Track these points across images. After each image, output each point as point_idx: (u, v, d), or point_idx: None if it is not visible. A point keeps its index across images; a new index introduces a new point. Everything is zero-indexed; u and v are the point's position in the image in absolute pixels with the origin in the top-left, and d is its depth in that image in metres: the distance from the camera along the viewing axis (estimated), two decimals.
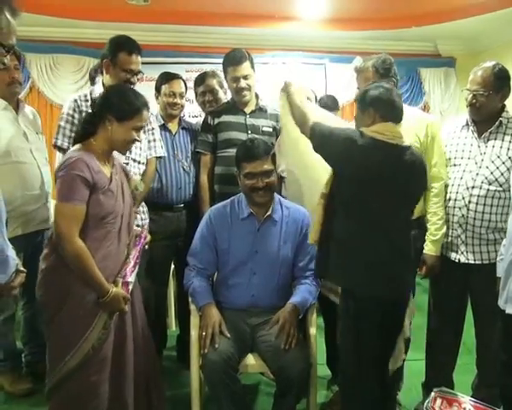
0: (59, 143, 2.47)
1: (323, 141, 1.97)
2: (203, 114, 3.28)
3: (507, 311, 1.91)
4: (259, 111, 2.86)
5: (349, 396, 2.08)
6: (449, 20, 4.94)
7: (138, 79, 2.57)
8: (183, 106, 3.02)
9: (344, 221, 1.95)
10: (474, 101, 2.32)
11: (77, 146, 1.98)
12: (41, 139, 2.91)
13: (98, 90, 2.55)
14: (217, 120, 2.81)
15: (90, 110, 2.46)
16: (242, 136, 2.71)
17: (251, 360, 2.24)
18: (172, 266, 3.25)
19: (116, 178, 2.02)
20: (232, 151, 2.57)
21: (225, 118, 2.81)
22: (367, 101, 1.96)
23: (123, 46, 2.49)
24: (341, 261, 1.97)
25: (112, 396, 1.96)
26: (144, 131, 2.65)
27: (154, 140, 2.70)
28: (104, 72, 2.56)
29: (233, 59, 2.77)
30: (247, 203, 2.39)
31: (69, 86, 5.26)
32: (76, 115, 2.48)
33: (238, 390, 2.13)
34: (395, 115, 1.96)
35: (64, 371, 1.86)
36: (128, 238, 2.06)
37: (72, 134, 2.44)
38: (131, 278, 2.02)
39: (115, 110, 1.98)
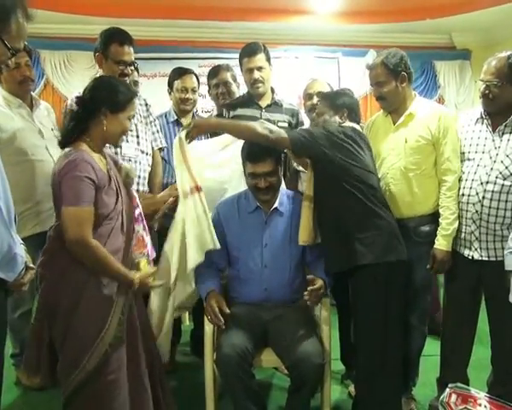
0: None
1: (312, 143, 2.16)
2: (216, 109, 3.28)
3: None
4: (275, 105, 2.86)
5: (379, 362, 2.17)
6: (464, 11, 4.88)
7: (132, 71, 2.56)
8: (195, 101, 3.03)
9: (354, 205, 2.15)
10: (487, 91, 2.27)
11: (72, 146, 1.91)
12: (56, 135, 2.92)
13: None
14: (232, 113, 2.82)
15: None
16: None
17: (265, 354, 2.25)
18: None
19: (112, 174, 1.98)
20: None
21: (240, 111, 2.82)
22: (342, 104, 2.33)
23: (113, 37, 2.48)
24: (367, 240, 2.14)
25: (132, 395, 1.94)
26: (146, 123, 2.67)
27: (158, 131, 2.72)
28: (97, 66, 2.57)
29: (248, 50, 2.79)
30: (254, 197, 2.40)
31: (83, 83, 5.23)
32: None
33: (252, 385, 2.14)
34: (358, 121, 2.39)
35: (82, 375, 1.83)
36: (131, 230, 2.03)
37: None
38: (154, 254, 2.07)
39: (109, 103, 1.94)
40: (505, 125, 2.29)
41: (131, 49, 2.51)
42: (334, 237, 2.20)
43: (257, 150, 2.25)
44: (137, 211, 2.09)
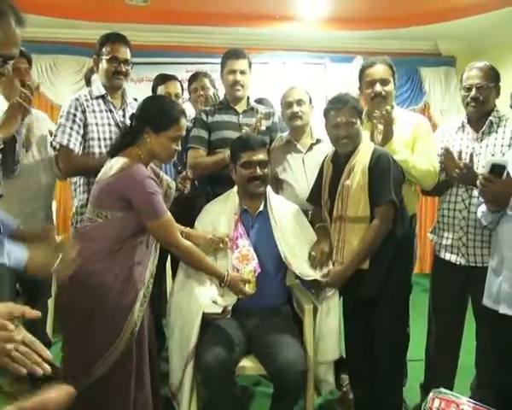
0: (57, 139, 2.47)
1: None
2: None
3: (500, 311, 1.91)
4: (251, 111, 2.88)
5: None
6: (449, 19, 4.92)
7: (127, 70, 2.56)
8: None
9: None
10: (478, 95, 2.33)
11: (131, 157, 1.98)
12: (47, 141, 2.91)
13: (96, 89, 2.57)
14: (210, 119, 2.81)
15: (92, 110, 2.50)
16: (236, 135, 2.68)
17: (248, 362, 2.24)
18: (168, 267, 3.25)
19: None
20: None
21: (218, 117, 2.82)
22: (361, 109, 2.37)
23: (107, 38, 2.54)
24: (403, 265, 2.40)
25: (136, 401, 1.97)
26: None
27: None
28: (95, 69, 2.60)
29: (232, 53, 2.83)
30: (240, 200, 2.42)
31: (70, 87, 5.26)
32: (78, 114, 2.49)
33: (235, 392, 2.13)
34: None
35: (91, 379, 1.86)
36: (154, 242, 2.08)
37: (72, 132, 2.45)
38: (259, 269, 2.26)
39: (152, 122, 2.01)
40: (483, 133, 2.37)
41: (126, 49, 2.54)
42: (381, 262, 2.24)
43: (252, 139, 2.42)
44: (242, 228, 2.32)
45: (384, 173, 2.19)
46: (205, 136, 2.80)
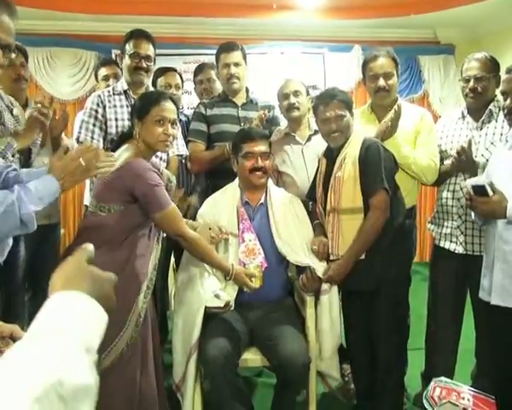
0: (82, 137, 2.53)
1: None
2: None
3: (492, 302, 1.91)
4: (250, 104, 2.88)
5: None
6: (448, 7, 4.90)
7: (149, 66, 2.59)
8: (179, 98, 3.03)
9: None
10: (476, 86, 2.34)
11: (132, 151, 2.02)
12: None
13: (120, 86, 2.64)
14: (209, 112, 2.81)
15: (113, 105, 2.58)
16: (235, 128, 2.69)
17: (251, 354, 2.24)
18: (172, 260, 3.25)
19: None
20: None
21: (217, 110, 2.82)
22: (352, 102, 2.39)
23: (131, 34, 2.59)
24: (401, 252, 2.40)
25: (140, 392, 1.99)
26: None
27: (176, 137, 2.69)
28: (120, 65, 2.72)
29: (225, 47, 2.82)
30: (241, 193, 2.42)
31: (67, 80, 5.25)
32: (100, 110, 2.56)
33: (238, 384, 2.14)
34: None
35: (98, 370, 1.85)
36: (156, 235, 2.10)
37: (95, 128, 2.53)
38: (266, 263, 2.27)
39: (136, 111, 2.08)
40: (482, 122, 2.38)
41: (149, 45, 2.58)
42: (378, 252, 2.23)
43: (254, 131, 2.44)
44: (248, 222, 2.32)
45: (375, 163, 2.18)
46: (204, 129, 2.80)
